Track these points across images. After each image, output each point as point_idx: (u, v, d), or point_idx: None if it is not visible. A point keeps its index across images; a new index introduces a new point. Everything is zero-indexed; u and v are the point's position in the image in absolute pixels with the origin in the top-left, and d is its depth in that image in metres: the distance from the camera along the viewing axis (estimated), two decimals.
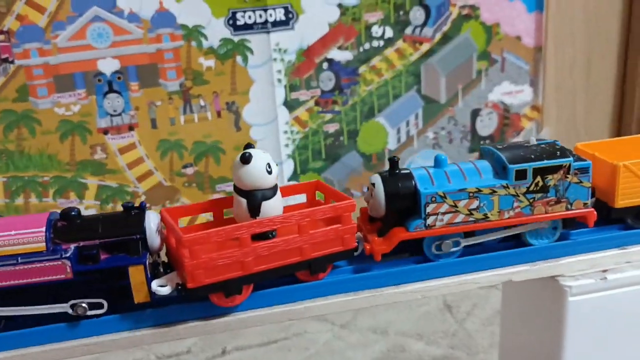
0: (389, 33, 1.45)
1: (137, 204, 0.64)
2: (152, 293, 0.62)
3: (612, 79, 1.74)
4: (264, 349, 1.25)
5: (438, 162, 0.71)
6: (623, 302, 0.73)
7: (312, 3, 1.37)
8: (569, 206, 0.72)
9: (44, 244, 0.60)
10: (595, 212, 0.72)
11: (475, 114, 1.59)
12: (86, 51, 1.27)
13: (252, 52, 1.36)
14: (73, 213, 0.63)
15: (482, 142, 1.62)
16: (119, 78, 1.30)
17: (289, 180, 1.46)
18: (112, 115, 1.32)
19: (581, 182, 0.72)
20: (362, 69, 1.45)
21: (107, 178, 1.35)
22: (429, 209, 0.69)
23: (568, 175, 0.71)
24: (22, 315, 0.62)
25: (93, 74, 1.29)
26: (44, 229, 0.61)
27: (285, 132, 1.43)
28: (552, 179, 0.71)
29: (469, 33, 1.52)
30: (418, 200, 0.69)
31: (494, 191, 0.70)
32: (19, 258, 0.60)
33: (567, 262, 0.73)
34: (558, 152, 0.71)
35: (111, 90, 1.30)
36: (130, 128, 1.33)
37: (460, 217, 0.70)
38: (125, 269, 0.61)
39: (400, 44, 1.47)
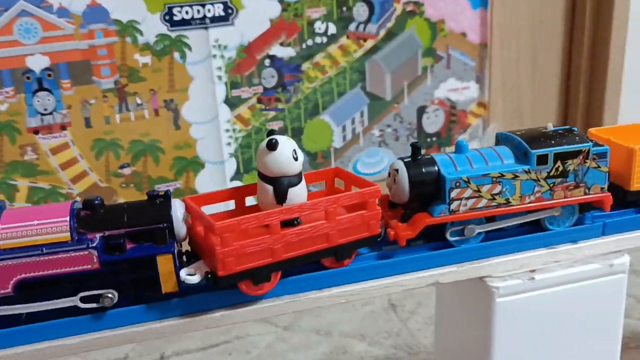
0: (332, 29, 1.43)
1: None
2: (179, 282, 0.61)
3: (557, 75, 1.75)
4: (203, 353, 1.22)
5: (459, 148, 0.72)
6: (551, 302, 0.73)
7: None
8: (586, 191, 0.73)
9: (68, 233, 0.58)
10: (611, 197, 0.73)
11: (421, 111, 1.58)
12: (13, 47, 1.21)
13: (190, 48, 1.32)
14: (96, 202, 0.61)
15: (428, 139, 1.61)
16: (49, 75, 1.24)
17: (231, 180, 1.43)
18: (42, 115, 1.26)
19: (599, 167, 0.73)
20: (306, 65, 1.43)
21: (39, 179, 1.29)
22: (453, 194, 0.68)
23: (587, 160, 0.72)
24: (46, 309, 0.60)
25: (21, 71, 1.23)
26: (67, 218, 0.59)
27: (227, 130, 1.40)
28: (571, 164, 0.72)
29: (414, 30, 1.51)
30: (442, 186, 0.69)
31: (516, 176, 0.70)
32: (44, 248, 0.58)
33: (495, 262, 0.72)
34: (577, 138, 0.72)
35: (41, 88, 1.25)
36: (63, 127, 1.28)
37: (483, 202, 0.70)
38: (153, 259, 0.60)
39: (344, 40, 1.45)
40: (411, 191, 0.69)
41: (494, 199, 0.70)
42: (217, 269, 0.60)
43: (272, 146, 0.62)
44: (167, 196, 0.62)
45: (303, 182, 0.65)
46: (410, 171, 0.69)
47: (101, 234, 0.60)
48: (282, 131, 1.44)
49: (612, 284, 0.75)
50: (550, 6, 1.65)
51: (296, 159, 0.63)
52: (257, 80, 1.39)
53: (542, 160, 0.71)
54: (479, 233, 0.71)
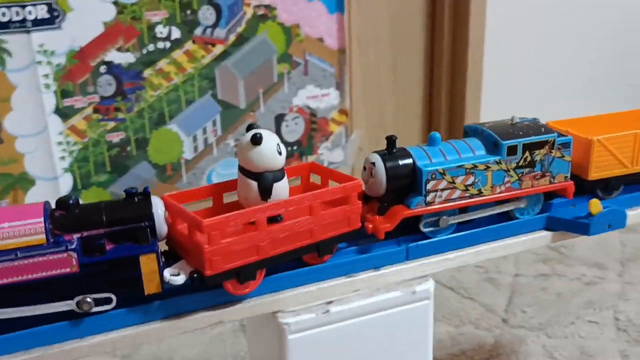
0: (176, 34, 1.34)
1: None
2: (162, 283, 0.59)
3: (420, 80, 1.74)
4: None
5: (432, 140, 0.73)
6: (349, 335, 0.68)
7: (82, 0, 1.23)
8: (552, 180, 0.76)
9: (43, 235, 0.55)
10: (573, 185, 0.76)
11: (279, 119, 1.53)
12: None
13: (9, 54, 1.20)
14: (71, 201, 0.57)
15: (288, 149, 1.56)
16: None
17: None
18: None
19: (563, 156, 0.76)
20: (148, 72, 1.33)
21: None
22: (429, 186, 0.70)
23: (552, 150, 0.75)
24: (20, 316, 0.56)
25: None
26: (42, 219, 0.55)
27: (60, 143, 1.28)
28: (538, 154, 0.74)
29: (266, 34, 1.44)
30: (418, 178, 0.70)
31: (488, 167, 0.72)
32: (18, 252, 0.54)
33: (287, 296, 0.66)
34: (542, 129, 0.75)
35: None
36: None
37: (457, 193, 0.71)
38: (135, 259, 0.57)
39: (189, 45, 1.36)
40: (388, 184, 0.69)
41: (467, 189, 0.72)
42: (204, 268, 0.58)
43: (257, 141, 0.60)
44: (146, 193, 0.60)
45: (286, 176, 0.64)
46: (387, 164, 0.69)
47: (78, 235, 0.57)
48: (124, 142, 1.34)
49: (415, 312, 0.71)
50: (409, 11, 1.64)
51: (280, 153, 0.62)
52: (92, 88, 1.29)
53: (512, 150, 0.73)
54: (451, 225, 0.72)
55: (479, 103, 1.74)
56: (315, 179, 0.73)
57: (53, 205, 0.58)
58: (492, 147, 0.73)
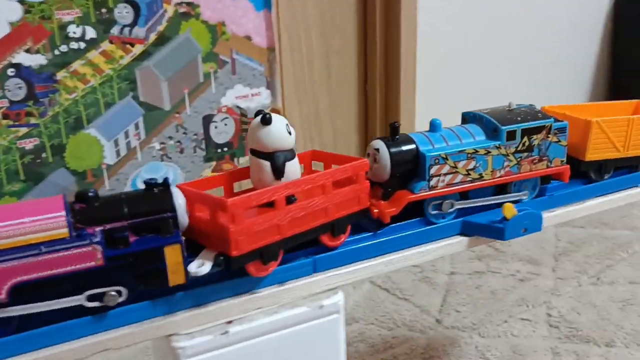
0: (91, 33, 1.27)
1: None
2: (187, 274, 0.58)
3: (354, 76, 1.71)
4: None
5: (434, 126, 0.75)
6: (249, 357, 0.64)
7: None
8: (549, 164, 0.78)
9: (66, 229, 0.54)
10: (569, 169, 0.79)
11: (207, 120, 1.47)
12: None
13: None
14: (91, 193, 0.56)
15: (218, 150, 1.51)
16: None
17: None
18: None
19: (560, 141, 0.78)
20: (61, 74, 1.26)
21: None
22: (432, 171, 0.71)
23: (549, 135, 0.77)
24: (38, 312, 0.55)
25: None
26: (63, 212, 0.54)
27: None
28: (536, 139, 0.76)
29: (190, 33, 1.39)
30: (421, 163, 0.71)
31: (489, 151, 0.74)
32: (42, 247, 0.53)
33: (183, 317, 0.62)
34: (539, 114, 0.77)
35: None
36: None
37: (459, 178, 0.73)
38: (160, 250, 0.57)
39: (106, 45, 1.30)
40: (392, 169, 0.71)
41: (469, 174, 0.73)
42: (230, 249, 0.58)
43: (267, 120, 0.62)
44: (166, 184, 0.59)
45: (296, 157, 0.65)
46: (391, 149, 0.71)
47: (101, 228, 0.55)
48: (39, 149, 1.27)
49: (324, 328, 0.67)
50: (339, 7, 1.60)
51: (290, 133, 0.64)
52: (0, 92, 1.21)
53: (511, 136, 0.75)
54: (453, 210, 0.74)
55: (414, 100, 1.72)
56: (318, 166, 0.75)
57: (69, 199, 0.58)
58: (492, 132, 0.75)
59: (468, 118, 0.79)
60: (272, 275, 0.66)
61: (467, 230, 0.75)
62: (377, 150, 0.71)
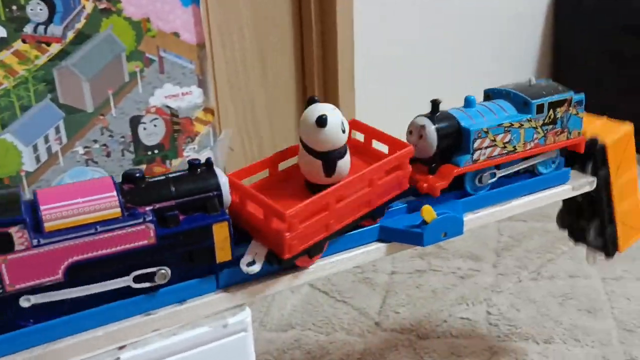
0: (2, 33, 1.19)
1: None
2: (232, 251, 0.61)
3: (291, 72, 1.66)
4: None
5: (469, 102, 0.78)
6: None
7: None
8: (569, 135, 0.82)
9: (118, 209, 0.55)
10: (585, 140, 0.83)
11: (135, 121, 1.40)
12: None
13: None
14: (138, 174, 0.58)
15: (148, 152, 1.44)
16: None
17: None
18: None
19: (578, 113, 0.82)
20: None
21: None
22: (475, 145, 0.75)
23: (570, 108, 0.81)
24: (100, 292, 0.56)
25: None
26: (114, 193, 0.56)
27: None
28: (560, 111, 0.80)
29: (112, 30, 1.31)
30: (465, 137, 0.75)
31: (522, 125, 0.78)
32: (97, 227, 0.55)
33: (68, 344, 0.56)
34: (560, 88, 0.81)
35: None
36: None
37: (497, 151, 0.77)
38: (208, 228, 0.59)
39: (19, 45, 1.22)
40: (439, 145, 0.74)
41: (505, 147, 0.77)
42: (283, 252, 0.61)
43: (322, 123, 0.62)
44: (209, 163, 0.61)
45: (348, 151, 0.66)
46: (437, 126, 0.74)
47: (151, 207, 0.57)
48: None
49: (230, 348, 0.63)
50: (272, 1, 1.55)
51: (344, 131, 0.64)
52: None
53: (540, 109, 0.79)
54: (494, 180, 0.78)
55: (353, 92, 1.68)
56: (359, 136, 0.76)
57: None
58: (522, 106, 0.79)
59: (492, 94, 0.82)
60: (170, 293, 0.61)
61: (385, 236, 0.72)
62: (423, 127, 0.74)
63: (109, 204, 0.55)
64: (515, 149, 0.78)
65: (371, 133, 0.74)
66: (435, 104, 0.76)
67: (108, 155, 1.38)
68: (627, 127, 0.88)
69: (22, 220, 0.51)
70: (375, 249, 0.71)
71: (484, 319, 1.23)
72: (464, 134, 0.75)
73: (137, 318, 0.59)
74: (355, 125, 0.75)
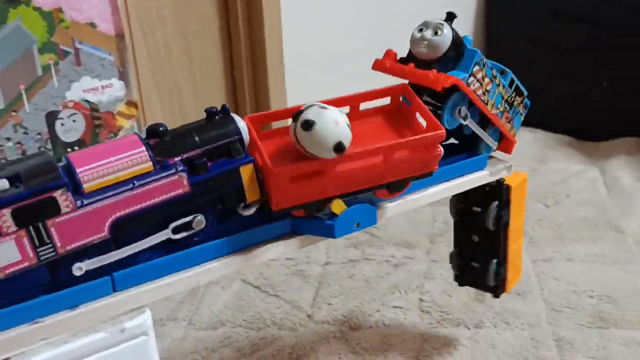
0: None
1: None
2: (260, 191, 0.64)
3: (218, 59, 1.62)
4: None
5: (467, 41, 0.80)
6: None
7: None
8: (511, 129, 0.86)
9: (150, 163, 0.58)
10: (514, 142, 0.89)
11: (52, 117, 1.34)
12: None
13: None
14: (161, 128, 0.61)
15: (68, 149, 1.37)
16: None
17: None
18: None
19: (522, 115, 0.87)
20: None
21: None
22: (475, 69, 0.77)
23: (521, 105, 0.86)
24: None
25: None
26: (143, 148, 0.58)
27: None
28: (517, 100, 0.84)
29: (20, 21, 1.24)
30: (467, 57, 0.78)
31: (501, 84, 0.81)
32: (135, 181, 0.57)
33: None
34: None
35: None
36: None
37: (480, 91, 0.78)
38: (236, 170, 0.62)
39: None
40: (449, 48, 0.75)
41: (484, 94, 0.78)
42: (271, 204, 0.65)
43: (309, 127, 0.63)
44: (225, 110, 0.63)
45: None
46: (453, 30, 0.76)
47: (179, 158, 0.60)
48: None
49: (129, 353, 0.59)
50: None
51: (348, 126, 0.64)
52: None
53: (511, 83, 0.83)
54: (464, 116, 0.79)
55: (283, 77, 1.64)
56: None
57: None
58: (499, 73, 0.82)
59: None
60: (61, 298, 0.57)
61: (297, 228, 0.69)
62: (442, 24, 0.76)
63: (140, 159, 0.57)
64: (487, 103, 0.79)
65: (416, 105, 0.73)
66: (451, 15, 0.77)
67: (23, 153, 1.31)
68: (524, 175, 0.92)
69: (64, 183, 0.54)
70: (289, 242, 0.68)
71: (416, 306, 1.22)
72: (468, 54, 0.76)
73: (23, 327, 0.55)
74: (404, 90, 0.75)
